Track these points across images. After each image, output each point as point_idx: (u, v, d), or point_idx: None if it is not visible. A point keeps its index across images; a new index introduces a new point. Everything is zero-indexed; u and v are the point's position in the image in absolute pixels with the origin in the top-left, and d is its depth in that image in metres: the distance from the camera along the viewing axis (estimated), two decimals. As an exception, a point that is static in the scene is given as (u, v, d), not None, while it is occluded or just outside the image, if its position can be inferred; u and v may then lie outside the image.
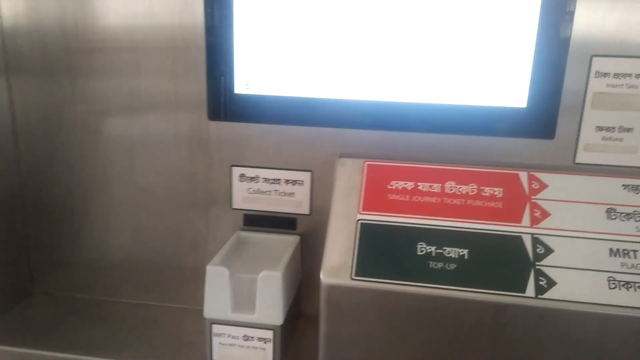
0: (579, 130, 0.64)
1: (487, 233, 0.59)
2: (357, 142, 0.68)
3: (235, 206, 0.74)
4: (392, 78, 0.66)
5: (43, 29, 0.73)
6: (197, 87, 0.70)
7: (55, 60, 0.74)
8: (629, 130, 0.63)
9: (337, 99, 0.67)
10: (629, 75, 0.62)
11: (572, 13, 0.61)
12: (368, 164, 0.65)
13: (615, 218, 0.59)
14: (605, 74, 0.62)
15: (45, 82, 0.75)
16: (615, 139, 0.64)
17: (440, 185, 0.62)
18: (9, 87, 0.76)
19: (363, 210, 0.61)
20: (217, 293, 0.63)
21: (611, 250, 0.56)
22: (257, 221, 0.74)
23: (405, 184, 0.63)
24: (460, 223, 0.59)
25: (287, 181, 0.72)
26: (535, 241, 0.57)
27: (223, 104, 0.70)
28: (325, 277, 0.56)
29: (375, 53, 0.65)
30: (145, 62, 0.71)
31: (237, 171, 0.73)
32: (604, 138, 0.64)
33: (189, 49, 0.69)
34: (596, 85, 0.63)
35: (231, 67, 0.68)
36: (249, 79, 0.69)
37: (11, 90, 0.76)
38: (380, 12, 0.64)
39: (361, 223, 0.60)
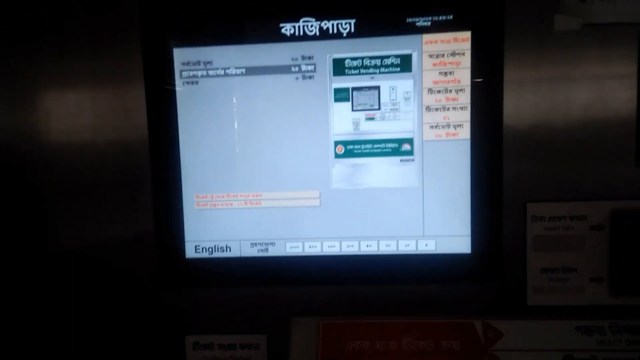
0: (525, 273, 0.66)
1: (448, 394, 0.57)
2: (310, 299, 0.67)
3: (192, 376, 0.70)
4: (340, 233, 0.67)
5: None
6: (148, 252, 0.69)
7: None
8: (572, 270, 0.65)
9: (289, 256, 0.68)
10: (563, 217, 0.65)
11: (500, 161, 0.64)
12: (323, 324, 0.64)
13: (573, 366, 0.59)
14: (541, 218, 0.66)
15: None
16: (561, 280, 0.65)
17: (397, 342, 0.61)
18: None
19: (321, 377, 0.59)
20: None
21: (574, 404, 0.55)
22: (215, 388, 0.70)
23: (362, 343, 0.62)
24: (421, 384, 0.58)
25: (242, 346, 0.69)
26: (498, 401, 0.56)
27: (174, 270, 0.69)
28: None
29: (320, 210, 0.67)
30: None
31: (190, 339, 0.70)
32: (550, 279, 0.65)
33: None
34: (534, 229, 0.65)
35: (181, 232, 0.69)
36: (199, 242, 0.69)
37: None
38: (324, 167, 0.67)
39: (320, 392, 0.58)
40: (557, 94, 0.63)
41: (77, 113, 0.68)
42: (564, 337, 0.61)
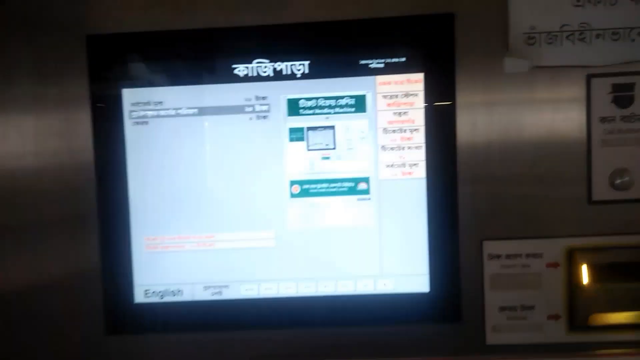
0: (483, 312, 0.65)
1: None
2: (267, 343, 0.66)
3: None
4: (296, 274, 0.66)
5: None
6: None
7: None
8: (530, 308, 0.65)
9: (244, 299, 0.66)
10: (520, 255, 0.65)
11: (456, 198, 0.65)
12: (279, 369, 0.63)
13: (531, 409, 0.58)
14: (498, 256, 0.65)
15: None
16: (520, 318, 0.65)
17: (354, 388, 0.60)
18: None
19: None
20: None
21: None
22: None
23: (319, 389, 0.60)
24: None
25: (195, 396, 0.67)
26: None
27: (122, 316, 0.66)
28: None
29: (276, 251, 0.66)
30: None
31: (140, 391, 0.67)
32: (508, 318, 0.65)
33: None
34: (491, 267, 0.65)
35: (130, 275, 0.66)
36: (149, 285, 0.67)
37: None
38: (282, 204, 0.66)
39: None
40: (509, 133, 0.64)
41: (19, 144, 0.65)
42: (522, 377, 0.61)
